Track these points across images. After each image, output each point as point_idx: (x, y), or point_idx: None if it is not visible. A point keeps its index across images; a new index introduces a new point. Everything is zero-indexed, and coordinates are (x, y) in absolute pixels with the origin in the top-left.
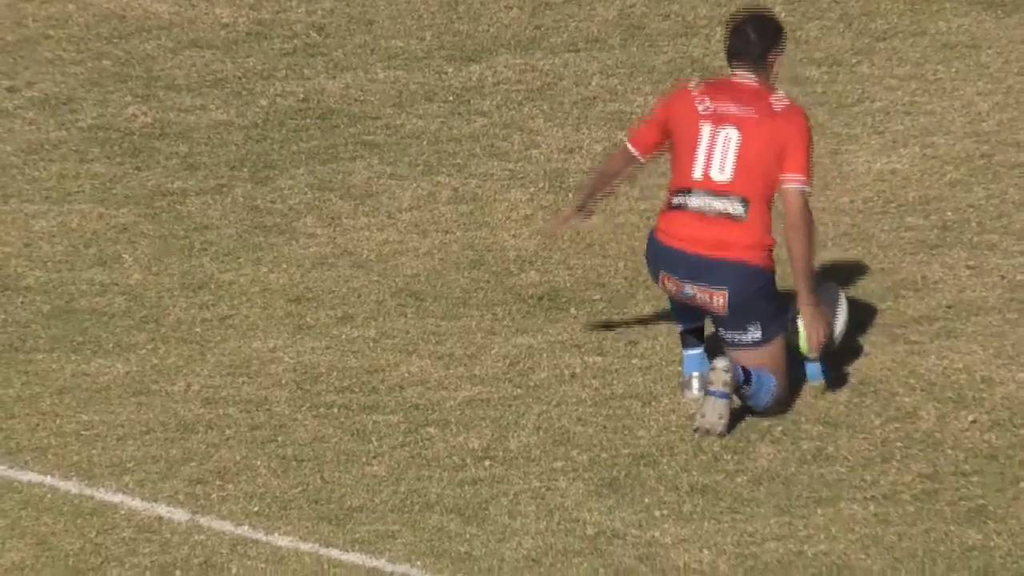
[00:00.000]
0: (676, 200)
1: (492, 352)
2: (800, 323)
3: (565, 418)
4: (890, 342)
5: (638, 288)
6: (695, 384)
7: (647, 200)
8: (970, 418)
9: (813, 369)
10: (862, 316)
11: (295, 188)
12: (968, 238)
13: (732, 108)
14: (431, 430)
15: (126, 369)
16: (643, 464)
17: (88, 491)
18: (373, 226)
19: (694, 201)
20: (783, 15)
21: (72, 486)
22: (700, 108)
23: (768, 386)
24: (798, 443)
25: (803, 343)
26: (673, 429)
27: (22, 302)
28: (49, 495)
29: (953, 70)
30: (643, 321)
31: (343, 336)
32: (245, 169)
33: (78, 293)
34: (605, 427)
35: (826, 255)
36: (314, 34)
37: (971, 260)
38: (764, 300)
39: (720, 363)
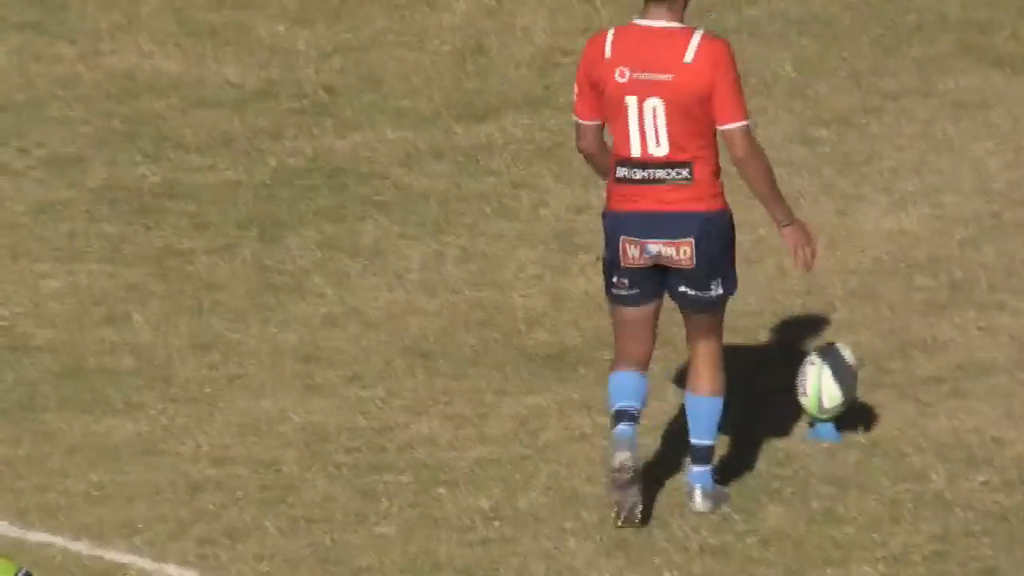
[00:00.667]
0: (621, 172)
1: (501, 412)
2: (810, 385)
3: (575, 478)
4: (900, 402)
5: None
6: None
7: None
8: (980, 478)
9: (823, 429)
10: (872, 376)
11: (304, 247)
12: (978, 298)
13: (650, 74)
14: (441, 490)
15: (135, 429)
16: (653, 525)
17: (98, 552)
18: (382, 285)
19: (639, 173)
20: (792, 73)
21: (82, 547)
22: (619, 79)
23: (717, 414)
24: (808, 503)
25: (813, 404)
26: (682, 489)
27: (31, 362)
28: (59, 556)
29: (962, 129)
30: (651, 381)
31: (352, 396)
32: (254, 228)
33: (87, 352)
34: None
35: (835, 315)
36: (323, 93)
37: (981, 320)
38: (725, 246)
39: (697, 501)
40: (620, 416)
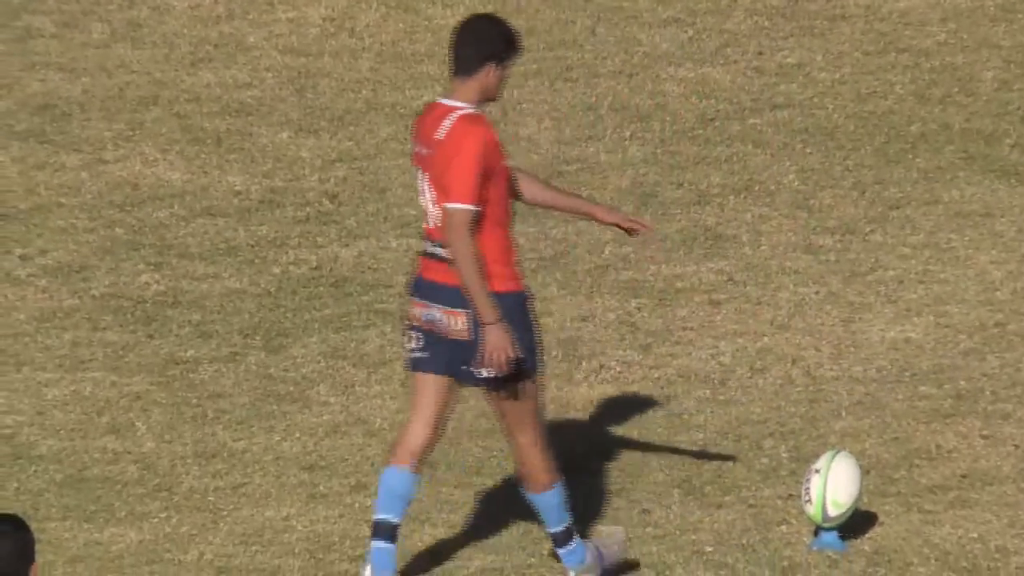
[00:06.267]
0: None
1: (506, 521)
2: (815, 494)
3: None
4: (904, 511)
5: (651, 456)
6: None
7: (659, 368)
8: None
9: (828, 538)
10: (876, 485)
11: (308, 356)
12: (982, 407)
13: (422, 148)
14: None
15: (139, 538)
16: None
17: None
18: (386, 394)
19: (426, 247)
20: (796, 182)
21: None
22: (415, 151)
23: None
24: None
25: (818, 513)
26: None
27: (35, 471)
28: None
29: (967, 239)
30: (656, 490)
31: (356, 504)
32: (258, 337)
33: (91, 461)
34: None
35: (840, 423)
36: (327, 202)
37: (985, 429)
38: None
39: None
40: (374, 528)
